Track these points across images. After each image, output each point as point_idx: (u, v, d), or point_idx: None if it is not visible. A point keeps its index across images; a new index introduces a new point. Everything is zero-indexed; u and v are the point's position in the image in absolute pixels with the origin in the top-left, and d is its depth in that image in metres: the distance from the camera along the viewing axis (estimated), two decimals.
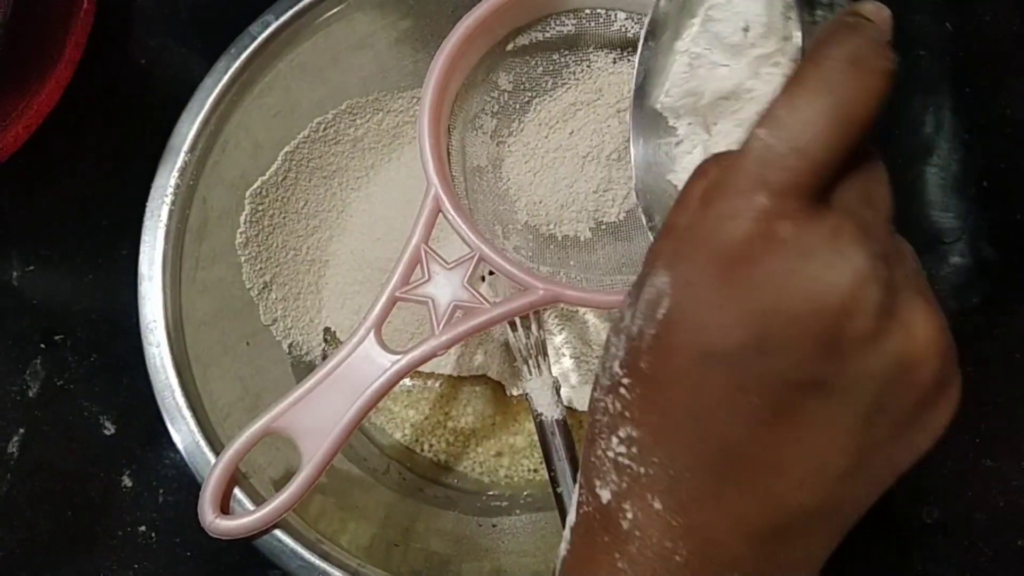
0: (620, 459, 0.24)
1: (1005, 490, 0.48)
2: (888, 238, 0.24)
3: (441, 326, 0.38)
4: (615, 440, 0.24)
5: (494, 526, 0.48)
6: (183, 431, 0.40)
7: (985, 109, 0.53)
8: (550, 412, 0.44)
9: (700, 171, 0.24)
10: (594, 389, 0.26)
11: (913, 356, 0.22)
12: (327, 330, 0.52)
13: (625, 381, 0.24)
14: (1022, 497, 0.48)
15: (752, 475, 0.23)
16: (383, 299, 0.39)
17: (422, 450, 0.51)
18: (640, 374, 0.24)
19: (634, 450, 0.24)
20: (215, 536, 0.36)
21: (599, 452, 0.25)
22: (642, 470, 0.24)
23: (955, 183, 0.52)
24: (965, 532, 0.48)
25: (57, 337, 0.50)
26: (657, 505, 0.23)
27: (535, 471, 0.50)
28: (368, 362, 0.38)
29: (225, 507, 0.38)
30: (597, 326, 0.51)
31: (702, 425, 0.23)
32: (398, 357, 0.38)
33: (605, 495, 0.24)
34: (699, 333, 0.22)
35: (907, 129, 0.53)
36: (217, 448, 0.40)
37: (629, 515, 0.24)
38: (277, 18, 0.45)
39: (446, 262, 0.38)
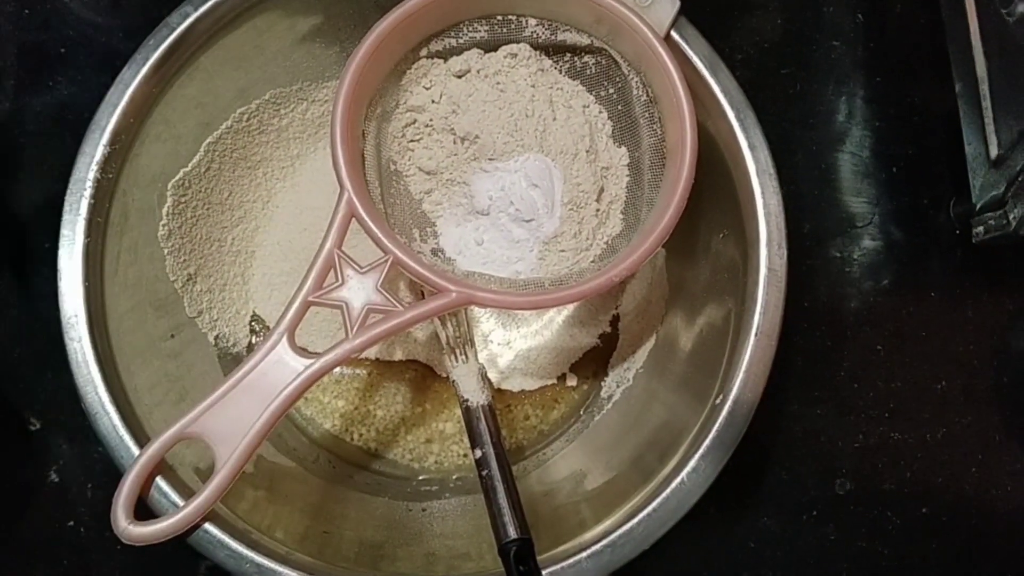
0: None
1: (910, 462, 0.51)
2: None
3: (355, 330, 0.38)
4: None
5: (424, 510, 0.48)
6: (106, 426, 0.40)
7: (895, 97, 0.55)
8: (476, 398, 0.45)
9: None
10: None
11: None
12: (256, 318, 0.52)
13: None
14: (926, 469, 0.51)
15: None
16: (296, 304, 0.39)
17: (352, 439, 0.51)
18: None
19: None
20: (128, 543, 0.36)
21: None
22: None
23: (867, 169, 0.54)
24: (875, 502, 0.50)
25: None
26: None
27: (465, 456, 0.51)
28: (281, 367, 0.38)
29: (140, 512, 0.38)
30: (524, 312, 0.52)
31: None
32: (311, 361, 0.38)
33: None
34: None
35: (821, 117, 0.55)
36: (142, 442, 0.39)
37: None
38: (196, 8, 0.44)
39: (360, 266, 0.39)
